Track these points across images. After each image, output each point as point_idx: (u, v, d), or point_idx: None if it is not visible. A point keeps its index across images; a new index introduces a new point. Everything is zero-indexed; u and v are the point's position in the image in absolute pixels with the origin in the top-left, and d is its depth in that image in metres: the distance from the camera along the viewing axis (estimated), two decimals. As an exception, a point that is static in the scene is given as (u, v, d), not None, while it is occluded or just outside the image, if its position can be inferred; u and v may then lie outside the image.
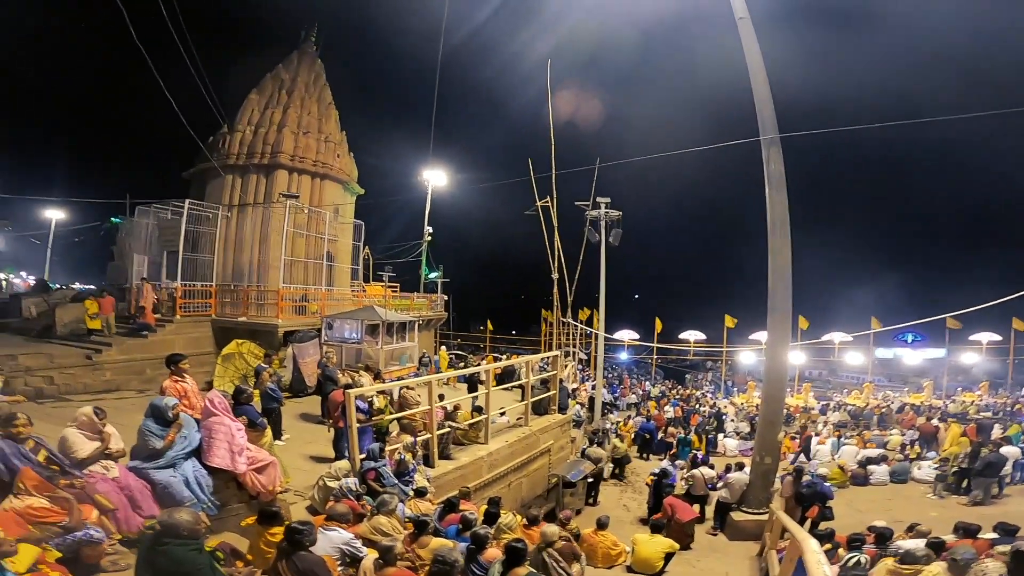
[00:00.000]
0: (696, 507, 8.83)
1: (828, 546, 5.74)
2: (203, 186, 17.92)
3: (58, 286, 20.16)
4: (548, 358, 12.15)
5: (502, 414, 9.86)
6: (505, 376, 12.06)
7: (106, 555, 3.87)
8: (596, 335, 20.53)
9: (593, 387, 19.20)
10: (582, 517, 8.88)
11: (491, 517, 5.85)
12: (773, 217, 8.60)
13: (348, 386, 7.15)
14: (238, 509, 5.36)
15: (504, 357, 16.89)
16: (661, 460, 13.33)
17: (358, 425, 6.46)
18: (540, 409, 10.46)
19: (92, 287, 17.66)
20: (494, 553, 4.59)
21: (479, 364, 16.33)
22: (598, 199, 17.42)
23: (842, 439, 14.99)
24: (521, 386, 11.09)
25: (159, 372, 11.15)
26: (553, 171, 19.25)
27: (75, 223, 25.48)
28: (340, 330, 13.16)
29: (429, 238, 22.63)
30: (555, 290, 21.21)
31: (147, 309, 12.62)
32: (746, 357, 31.79)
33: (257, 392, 7.26)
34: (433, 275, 24.29)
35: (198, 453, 5.14)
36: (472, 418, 8.53)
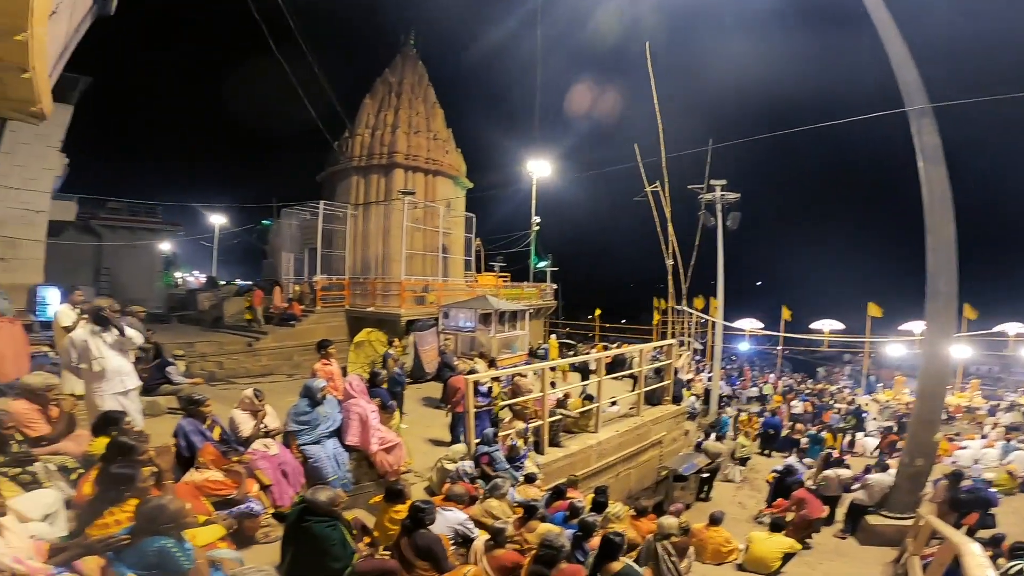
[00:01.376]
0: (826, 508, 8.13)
1: (988, 552, 5.02)
2: (333, 187, 19.80)
3: (223, 282, 23.46)
4: (662, 347, 11.74)
5: (613, 403, 9.74)
6: (615, 365, 11.89)
7: (261, 527, 4.34)
8: (713, 324, 19.39)
9: (710, 378, 18.26)
10: (691, 512, 8.59)
11: (599, 506, 5.86)
12: (931, 192, 7.55)
13: (469, 372, 7.49)
14: (368, 487, 5.79)
15: (614, 346, 16.62)
16: (785, 457, 12.37)
17: (475, 410, 6.75)
18: (653, 399, 10.21)
19: (250, 282, 20.34)
20: (599, 542, 4.64)
21: (588, 353, 16.24)
22: (712, 182, 16.43)
23: (1013, 443, 12.79)
24: (633, 375, 10.89)
25: (304, 358, 12.59)
26: (663, 155, 18.48)
27: (234, 226, 29.34)
28: (455, 319, 13.72)
29: (537, 227, 22.95)
30: (669, 278, 20.40)
31: (278, 307, 14.14)
32: (894, 349, 28.00)
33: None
34: (542, 264, 24.54)
35: (338, 432, 5.69)
36: (582, 406, 8.53)
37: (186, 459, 4.58)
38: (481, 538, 4.37)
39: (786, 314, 28.04)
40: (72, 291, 7.33)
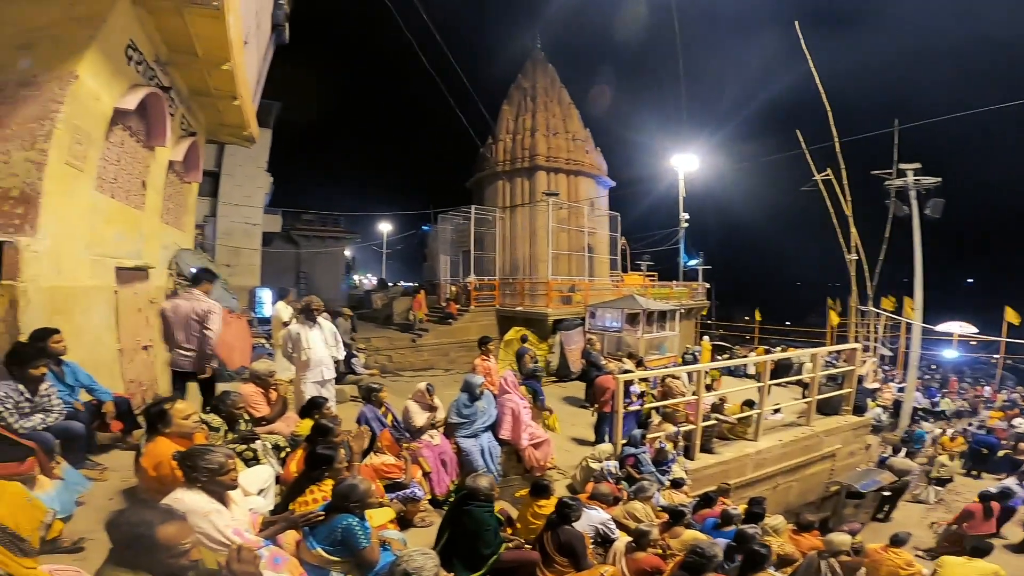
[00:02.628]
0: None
1: None
2: (482, 192, 20.91)
3: (392, 283, 26.24)
4: (840, 352, 10.42)
5: (776, 411, 8.93)
6: (780, 370, 10.82)
7: (419, 512, 4.66)
8: (908, 327, 16.54)
9: (900, 388, 15.62)
10: (866, 531, 7.74)
11: (754, 517, 5.49)
12: None
13: (622, 372, 7.43)
14: (514, 480, 6.03)
15: (778, 350, 15.06)
16: (1000, 480, 10.18)
17: (623, 411, 6.66)
18: (828, 408, 9.20)
19: (414, 284, 22.46)
20: (743, 553, 4.30)
21: (745, 356, 15.00)
22: (902, 166, 14.04)
23: None
24: (801, 382, 9.88)
25: (460, 354, 13.54)
26: (835, 139, 16.23)
27: (399, 232, 32.70)
28: (602, 319, 13.62)
29: (686, 224, 21.77)
30: (851, 275, 17.88)
31: (420, 312, 15.10)
32: None
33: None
34: (692, 262, 23.21)
35: (493, 426, 6.00)
36: (741, 412, 7.94)
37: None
38: (622, 539, 4.34)
39: (1011, 316, 22.89)
40: (282, 292, 8.75)
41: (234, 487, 2.85)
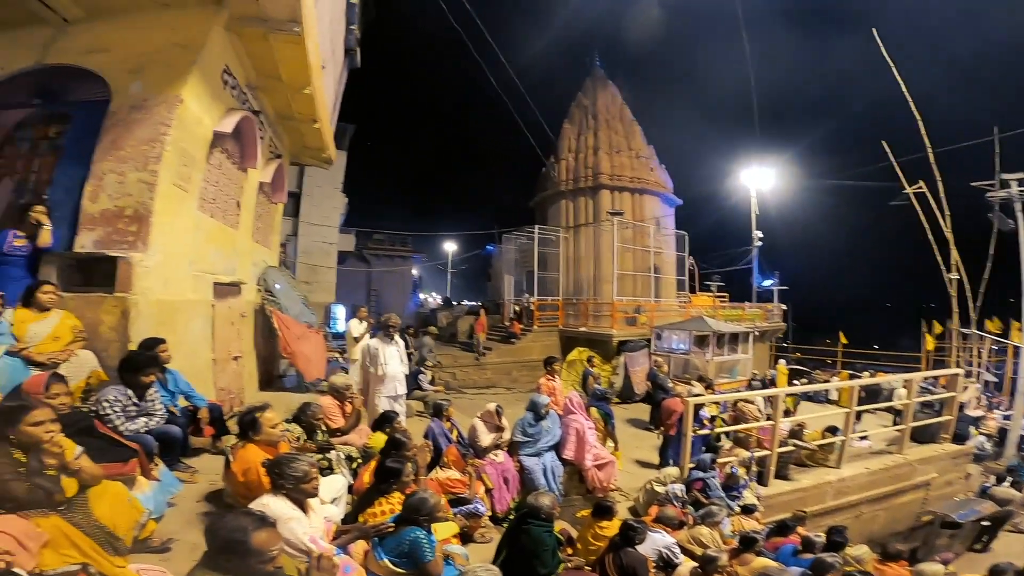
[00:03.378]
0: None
1: None
2: (545, 212, 20.97)
3: (456, 302, 26.80)
4: (938, 378, 9.65)
5: (863, 438, 8.37)
6: (869, 396, 10.10)
7: (480, 528, 4.65)
8: (1017, 351, 14.88)
9: (1006, 416, 14.06)
10: (962, 562, 7.19)
11: (835, 545, 5.12)
12: None
13: (691, 395, 7.19)
14: (575, 500, 5.91)
15: (865, 374, 14.00)
16: None
17: (691, 434, 6.42)
18: (924, 437, 8.65)
19: (477, 303, 22.81)
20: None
21: (826, 380, 14.05)
22: (1004, 176, 12.78)
23: None
24: (894, 408, 9.21)
25: (522, 373, 13.55)
26: (928, 148, 15.03)
27: (463, 252, 33.51)
28: (668, 340, 13.31)
29: (759, 243, 20.78)
30: (952, 295, 16.34)
31: (479, 333, 15.15)
32: None
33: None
34: (767, 283, 22.06)
35: (556, 445, 5.93)
36: (822, 439, 7.46)
37: (432, 458, 5.27)
38: (686, 565, 4.20)
39: None
40: (355, 309, 9.14)
41: (315, 495, 2.96)
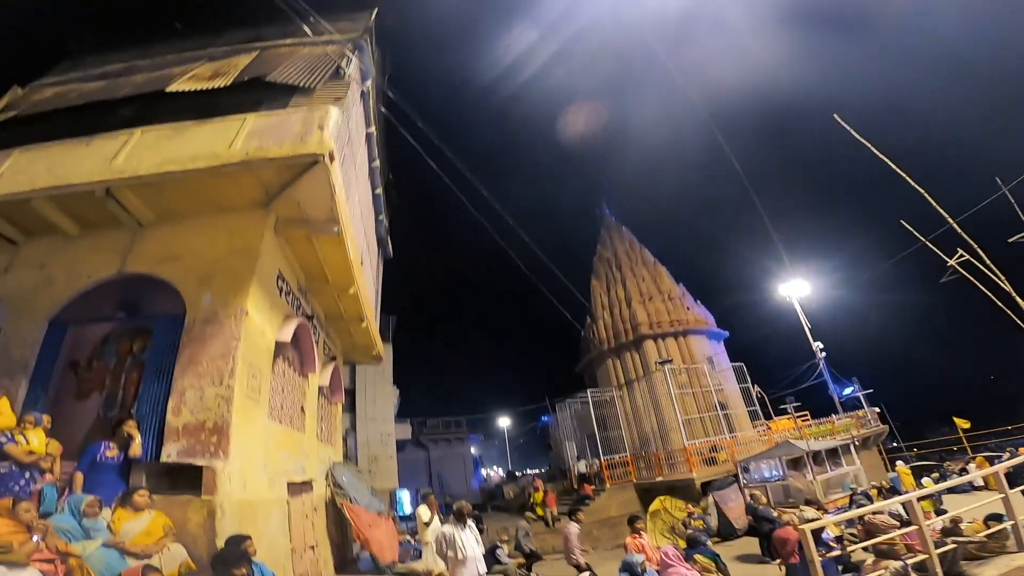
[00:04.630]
0: None
1: None
2: (593, 373, 20.99)
3: (519, 473, 25.86)
4: None
5: None
6: (1021, 474, 8.78)
7: None
8: None
9: None
10: None
11: None
12: None
13: (804, 520, 6.52)
14: None
15: (1006, 454, 12.28)
16: None
17: (820, 559, 5.66)
18: None
19: (538, 471, 21.85)
20: None
21: (963, 469, 12.38)
22: None
23: None
24: None
25: (602, 532, 12.46)
26: (950, 220, 14.94)
27: (519, 426, 33.29)
28: (758, 471, 12.64)
29: (822, 354, 19.84)
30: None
31: (549, 502, 14.35)
32: None
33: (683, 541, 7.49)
34: (847, 391, 20.54)
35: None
36: (985, 529, 6.37)
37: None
38: None
39: None
40: (421, 493, 8.98)
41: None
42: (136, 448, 4.71)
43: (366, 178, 10.75)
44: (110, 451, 4.66)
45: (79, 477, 4.43)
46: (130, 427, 4.77)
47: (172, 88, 7.42)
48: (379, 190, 11.74)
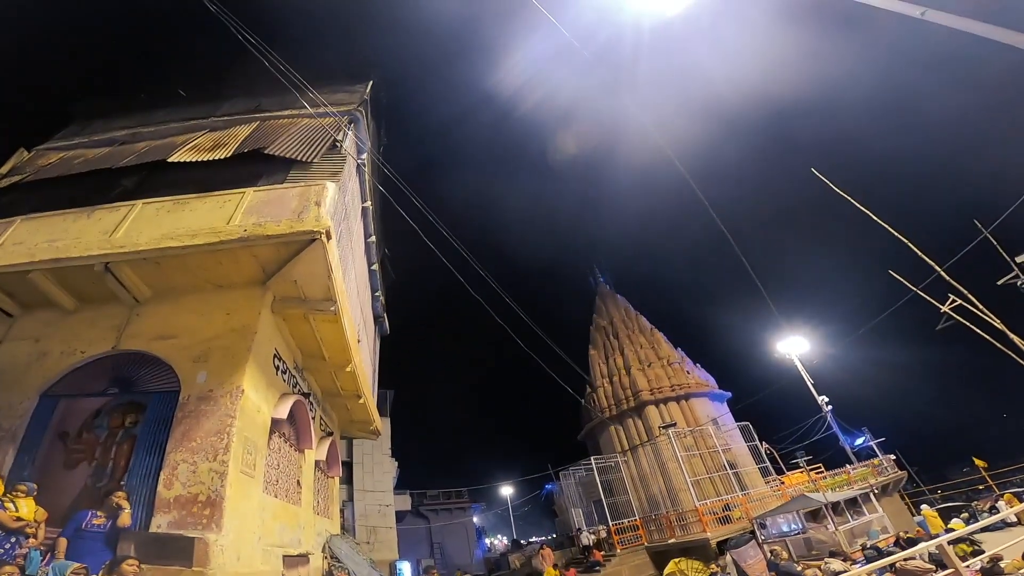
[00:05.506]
0: None
1: None
2: (596, 441, 20.61)
3: (524, 542, 24.84)
4: None
5: None
6: None
7: None
8: None
9: None
10: None
11: None
12: None
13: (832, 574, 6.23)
14: None
15: None
16: None
17: None
18: None
19: (544, 538, 20.91)
20: None
21: (992, 507, 12.32)
22: (1018, 259, 12.88)
23: None
24: None
25: None
26: (937, 267, 15.22)
27: (522, 495, 32.25)
28: (775, 526, 12.30)
29: (828, 407, 19.60)
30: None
31: (548, 565, 13.59)
32: None
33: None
34: (859, 441, 20.18)
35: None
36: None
37: None
38: None
39: None
40: (422, 566, 8.50)
41: None
42: (125, 518, 4.59)
43: (362, 254, 10.83)
44: (97, 519, 4.54)
45: (63, 543, 4.31)
46: (119, 497, 4.67)
47: (174, 158, 7.65)
48: (375, 265, 11.81)
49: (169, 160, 7.64)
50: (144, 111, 10.18)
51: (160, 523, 4.70)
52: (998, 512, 10.73)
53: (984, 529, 9.48)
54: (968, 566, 6.01)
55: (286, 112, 9.14)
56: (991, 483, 18.17)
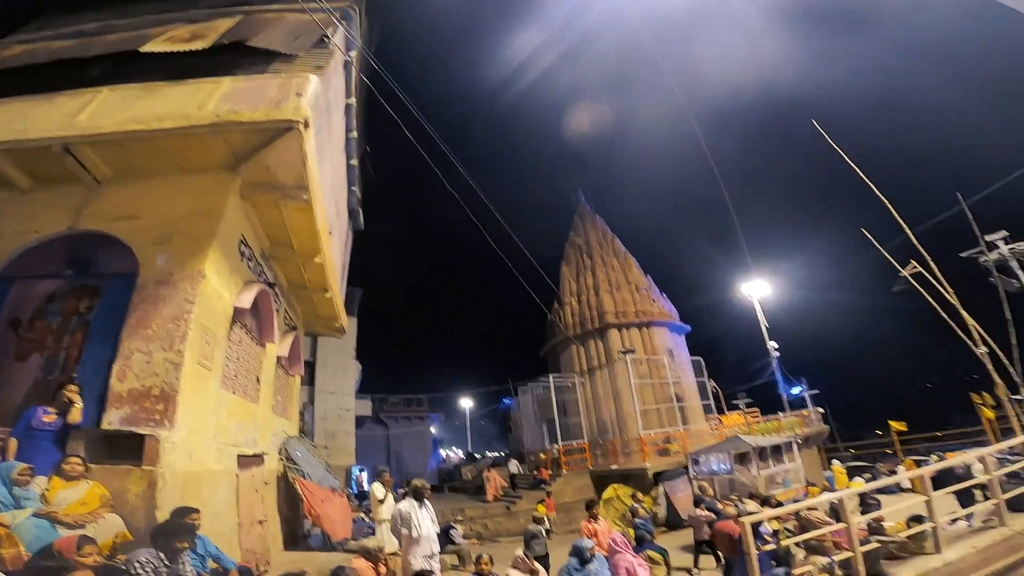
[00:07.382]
0: None
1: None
2: (557, 359, 21.15)
3: (478, 456, 26.14)
4: (1013, 447, 9.13)
5: (953, 522, 7.61)
6: (945, 478, 9.37)
7: None
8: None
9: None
10: None
11: None
12: None
13: (744, 513, 6.81)
14: None
15: (933, 458, 13.12)
16: None
17: (756, 552, 5.93)
18: (1021, 505, 7.67)
19: (499, 454, 22.13)
20: None
21: (892, 471, 13.32)
22: (987, 237, 13.16)
23: None
24: (980, 485, 8.48)
25: (558, 517, 12.75)
26: (908, 231, 15.51)
27: (480, 408, 33.50)
28: (707, 464, 13.02)
29: (776, 354, 20.62)
30: (989, 367, 15.71)
31: (493, 490, 14.47)
32: None
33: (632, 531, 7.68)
34: (795, 390, 21.45)
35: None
36: (907, 529, 6.82)
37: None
38: None
39: None
40: (377, 471, 8.94)
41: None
42: (76, 414, 4.42)
43: (342, 148, 10.40)
44: (48, 416, 4.37)
45: (13, 443, 4.16)
46: (71, 392, 4.47)
47: (147, 48, 6.90)
48: (354, 161, 11.39)
49: (142, 50, 6.89)
50: (118, 4, 9.20)
51: (112, 419, 4.61)
52: (896, 475, 11.74)
53: (880, 491, 10.46)
54: (858, 523, 6.65)
55: (274, 7, 8.36)
56: (899, 448, 19.69)
